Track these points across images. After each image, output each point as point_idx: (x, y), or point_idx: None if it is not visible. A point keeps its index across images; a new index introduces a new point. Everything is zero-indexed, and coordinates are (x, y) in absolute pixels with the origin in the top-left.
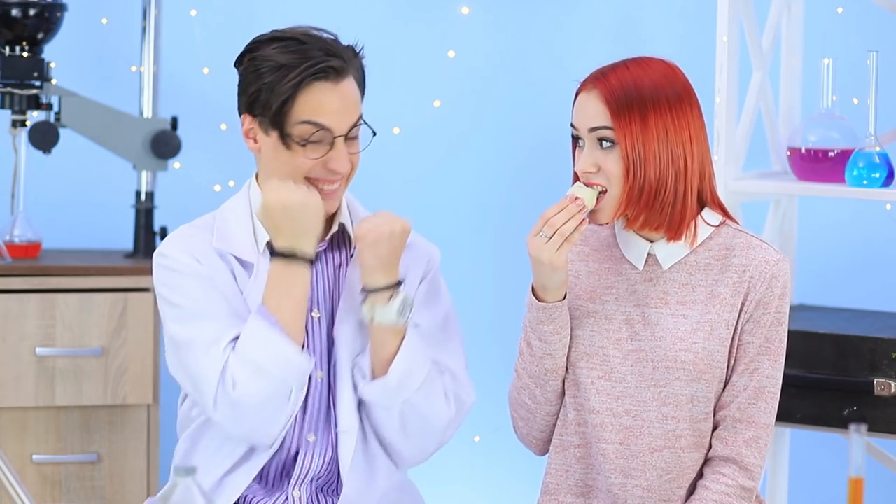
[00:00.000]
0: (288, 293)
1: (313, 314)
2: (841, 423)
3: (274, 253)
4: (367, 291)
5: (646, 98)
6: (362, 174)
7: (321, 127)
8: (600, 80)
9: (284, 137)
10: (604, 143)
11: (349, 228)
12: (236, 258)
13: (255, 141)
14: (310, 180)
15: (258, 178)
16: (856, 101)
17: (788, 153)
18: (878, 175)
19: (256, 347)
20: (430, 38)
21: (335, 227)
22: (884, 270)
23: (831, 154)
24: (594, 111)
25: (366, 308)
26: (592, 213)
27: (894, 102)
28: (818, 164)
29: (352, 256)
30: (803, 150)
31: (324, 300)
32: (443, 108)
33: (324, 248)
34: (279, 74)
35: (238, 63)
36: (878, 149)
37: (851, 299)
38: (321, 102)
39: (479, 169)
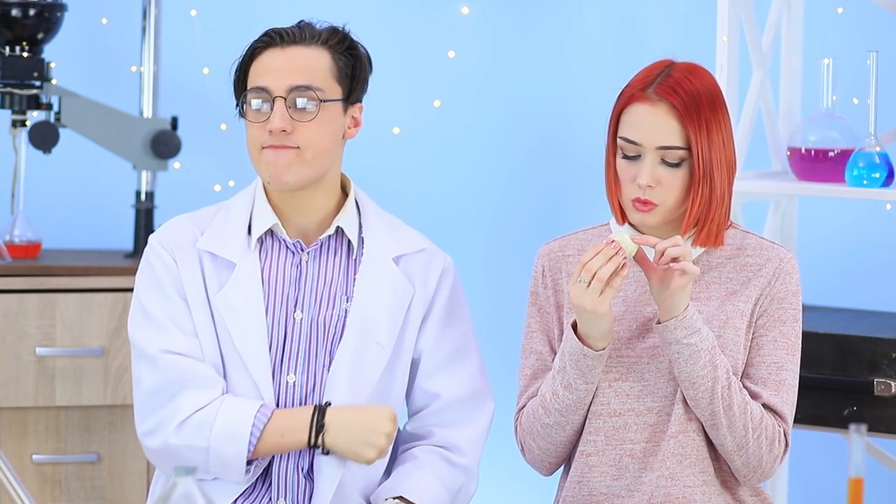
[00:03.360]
0: (287, 438)
1: (296, 315)
2: (841, 423)
3: (320, 411)
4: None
5: (709, 112)
6: (362, 174)
7: (259, 88)
8: (669, 94)
9: (242, 107)
10: (670, 160)
11: (348, 232)
12: (218, 257)
13: None
14: (265, 151)
15: None
16: (856, 101)
17: (788, 153)
18: (878, 175)
19: (221, 423)
20: (430, 38)
21: (331, 230)
22: (884, 270)
23: (831, 154)
24: (666, 128)
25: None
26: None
27: (894, 102)
28: (818, 164)
29: (355, 260)
30: (803, 150)
31: (309, 302)
32: (443, 108)
33: (318, 247)
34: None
35: None
36: (878, 149)
37: (851, 299)
38: (264, 65)
39: (478, 169)
